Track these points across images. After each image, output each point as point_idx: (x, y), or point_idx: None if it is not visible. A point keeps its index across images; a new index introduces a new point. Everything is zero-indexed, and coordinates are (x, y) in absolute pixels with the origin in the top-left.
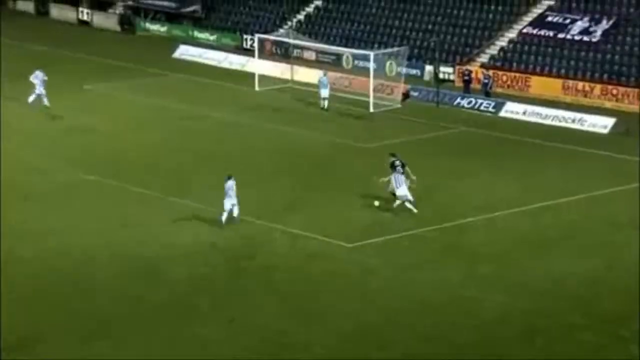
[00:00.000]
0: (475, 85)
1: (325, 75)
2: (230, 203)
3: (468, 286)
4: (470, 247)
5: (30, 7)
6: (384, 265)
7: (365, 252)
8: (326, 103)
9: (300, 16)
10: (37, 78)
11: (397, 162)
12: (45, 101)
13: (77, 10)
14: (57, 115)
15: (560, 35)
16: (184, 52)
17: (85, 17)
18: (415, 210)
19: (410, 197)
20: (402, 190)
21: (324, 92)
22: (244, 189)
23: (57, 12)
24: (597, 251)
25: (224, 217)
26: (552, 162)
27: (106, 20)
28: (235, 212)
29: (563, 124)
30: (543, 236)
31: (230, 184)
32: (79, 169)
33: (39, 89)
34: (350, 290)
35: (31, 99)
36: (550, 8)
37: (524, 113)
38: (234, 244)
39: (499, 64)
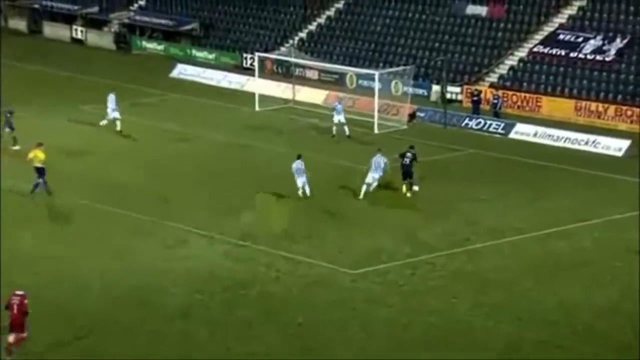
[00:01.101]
0: (484, 106)
1: (340, 103)
2: (301, 181)
3: (476, 315)
4: (478, 274)
5: (22, 26)
6: (389, 293)
7: (369, 279)
8: (346, 129)
9: (303, 34)
10: (112, 102)
11: (409, 154)
12: (118, 124)
13: (71, 29)
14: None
15: (573, 54)
16: (182, 71)
17: (79, 36)
18: (360, 197)
19: (371, 185)
20: (371, 176)
21: (337, 118)
22: (242, 214)
23: (50, 30)
24: (611, 280)
25: (300, 192)
26: (564, 186)
27: (101, 39)
28: (307, 191)
29: (575, 146)
30: (555, 263)
31: (299, 163)
32: (72, 193)
33: (114, 113)
34: (353, 320)
35: (103, 122)
36: (562, 26)
37: (535, 135)
38: (232, 271)
39: (508, 83)
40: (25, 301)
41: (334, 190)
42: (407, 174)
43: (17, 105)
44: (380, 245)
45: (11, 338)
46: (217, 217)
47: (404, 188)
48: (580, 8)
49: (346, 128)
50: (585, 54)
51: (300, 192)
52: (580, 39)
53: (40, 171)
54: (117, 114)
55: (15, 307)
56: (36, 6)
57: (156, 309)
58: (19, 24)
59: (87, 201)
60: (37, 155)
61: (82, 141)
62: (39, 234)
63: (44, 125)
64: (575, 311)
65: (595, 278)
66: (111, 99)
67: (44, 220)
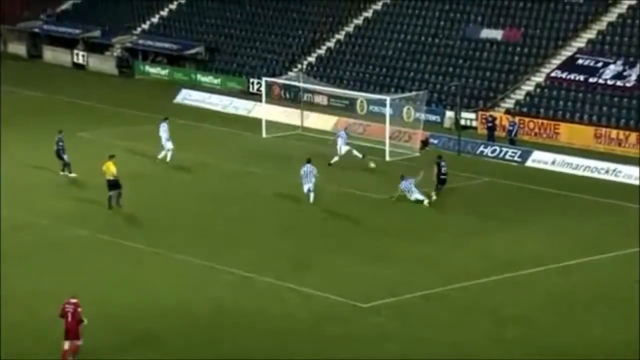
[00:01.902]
0: (499, 133)
1: (345, 130)
2: (307, 187)
3: (493, 351)
4: (494, 307)
5: (22, 50)
6: (401, 327)
7: (381, 312)
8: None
9: (311, 58)
10: (165, 131)
11: (442, 163)
12: (168, 155)
13: (72, 53)
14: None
15: (592, 80)
16: (186, 96)
17: (80, 60)
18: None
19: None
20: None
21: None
22: (249, 244)
23: (50, 55)
24: (633, 314)
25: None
26: (584, 216)
27: (103, 64)
28: (311, 198)
29: (595, 175)
30: (574, 296)
31: (309, 167)
32: (70, 224)
33: (168, 143)
34: (364, 356)
35: (161, 155)
36: (580, 50)
37: (553, 163)
38: (239, 304)
39: (525, 109)
40: (79, 309)
41: (344, 219)
42: (444, 182)
43: (11, 132)
44: (392, 277)
45: (67, 345)
46: (221, 248)
47: (434, 195)
48: (599, 32)
49: (355, 152)
50: (605, 80)
51: (307, 197)
52: (599, 64)
53: (112, 184)
54: (170, 144)
55: (69, 315)
56: (36, 30)
57: (161, 346)
58: (19, 48)
59: (87, 231)
60: (109, 168)
61: (78, 168)
62: (35, 266)
63: (32, 154)
64: (596, 347)
65: (616, 312)
66: (164, 127)
67: (41, 251)
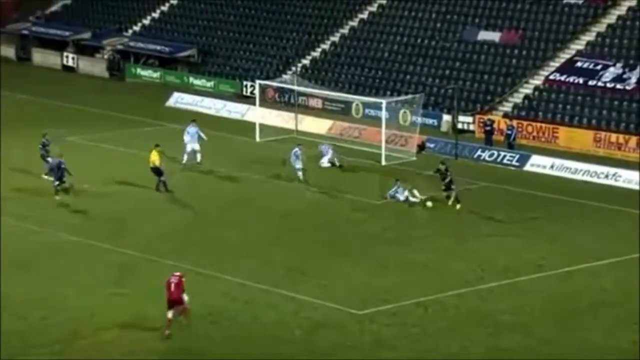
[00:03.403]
0: (497, 137)
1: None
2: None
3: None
4: (493, 315)
5: (10, 53)
6: (398, 335)
7: (377, 320)
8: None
9: (306, 61)
10: (189, 134)
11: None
12: (199, 157)
13: (62, 56)
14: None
15: (591, 83)
16: (179, 99)
17: (70, 63)
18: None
19: (301, 171)
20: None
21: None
22: (242, 251)
23: (39, 57)
24: (635, 321)
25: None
26: (583, 221)
27: (93, 66)
28: (301, 176)
29: (595, 180)
30: (574, 304)
31: (297, 150)
32: (61, 230)
33: (191, 145)
34: None
35: (185, 159)
36: (579, 53)
37: (552, 167)
38: (232, 312)
39: (523, 113)
40: (183, 279)
41: (339, 225)
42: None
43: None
44: (388, 284)
45: (170, 314)
46: (214, 255)
47: (450, 201)
48: (599, 34)
49: (336, 159)
50: (605, 82)
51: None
52: (599, 67)
53: (156, 171)
54: (197, 146)
55: (173, 285)
56: (25, 32)
57: (153, 355)
58: (7, 51)
59: (78, 238)
60: (152, 158)
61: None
62: (28, 274)
63: (23, 158)
64: (595, 355)
65: (618, 319)
66: (192, 130)
67: (33, 258)
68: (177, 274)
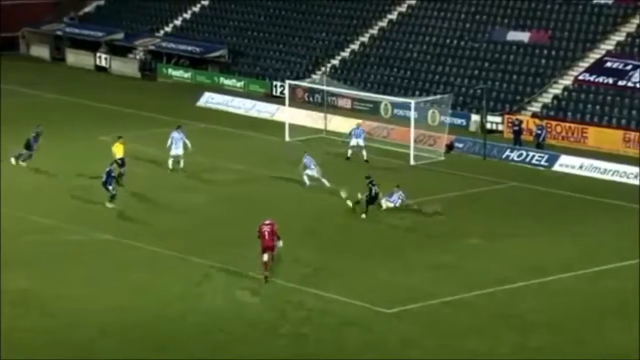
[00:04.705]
0: (526, 137)
1: (358, 127)
2: (308, 174)
3: (518, 359)
4: (520, 314)
5: (45, 53)
6: (426, 334)
7: (405, 319)
8: (364, 153)
9: (335, 61)
10: (173, 139)
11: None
12: (182, 163)
13: (95, 56)
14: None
15: (621, 83)
16: (209, 99)
17: (103, 63)
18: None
19: (313, 178)
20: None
21: (354, 141)
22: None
23: (73, 57)
24: None
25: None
26: (612, 221)
27: (125, 66)
28: (307, 181)
29: (624, 180)
30: (602, 304)
31: (309, 159)
32: (90, 228)
33: (175, 151)
34: None
35: (170, 164)
36: (609, 53)
37: (581, 167)
38: (259, 310)
39: (552, 113)
40: (276, 226)
41: (366, 225)
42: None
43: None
44: (415, 283)
45: (265, 257)
46: (243, 252)
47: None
48: (628, 34)
49: (364, 152)
50: (635, 83)
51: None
52: (628, 67)
53: (121, 163)
54: (180, 151)
55: (266, 233)
56: (59, 33)
57: (179, 353)
58: (42, 51)
59: (107, 236)
60: (115, 150)
61: (99, 172)
62: (53, 271)
63: (55, 157)
64: (624, 356)
65: None
66: (177, 135)
67: (60, 256)
68: (268, 221)
